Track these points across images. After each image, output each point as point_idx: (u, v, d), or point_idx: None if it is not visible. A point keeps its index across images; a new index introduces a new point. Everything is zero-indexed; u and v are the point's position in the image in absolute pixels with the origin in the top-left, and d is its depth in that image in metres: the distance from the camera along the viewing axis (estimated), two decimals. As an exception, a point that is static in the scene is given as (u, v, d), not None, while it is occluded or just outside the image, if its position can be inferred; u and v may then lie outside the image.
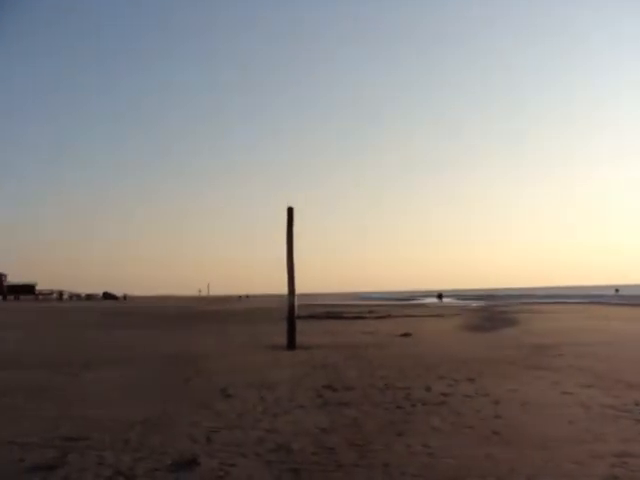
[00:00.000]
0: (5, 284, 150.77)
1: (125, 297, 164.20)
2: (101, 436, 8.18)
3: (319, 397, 11.03)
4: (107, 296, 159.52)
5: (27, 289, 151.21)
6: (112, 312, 62.55)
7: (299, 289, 21.99)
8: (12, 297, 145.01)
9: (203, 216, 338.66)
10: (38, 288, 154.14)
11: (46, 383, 13.05)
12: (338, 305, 77.96)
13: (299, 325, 21.84)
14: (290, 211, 21.81)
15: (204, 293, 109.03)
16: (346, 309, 60.20)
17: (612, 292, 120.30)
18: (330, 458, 7.05)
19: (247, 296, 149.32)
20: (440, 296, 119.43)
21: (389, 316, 44.40)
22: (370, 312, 51.22)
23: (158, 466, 6.78)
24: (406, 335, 25.54)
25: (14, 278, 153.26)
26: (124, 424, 8.90)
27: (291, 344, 20.86)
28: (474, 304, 79.42)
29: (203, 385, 12.59)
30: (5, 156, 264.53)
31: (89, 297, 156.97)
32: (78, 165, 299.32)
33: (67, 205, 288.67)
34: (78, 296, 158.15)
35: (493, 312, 50.76)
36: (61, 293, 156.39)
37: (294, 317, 21.54)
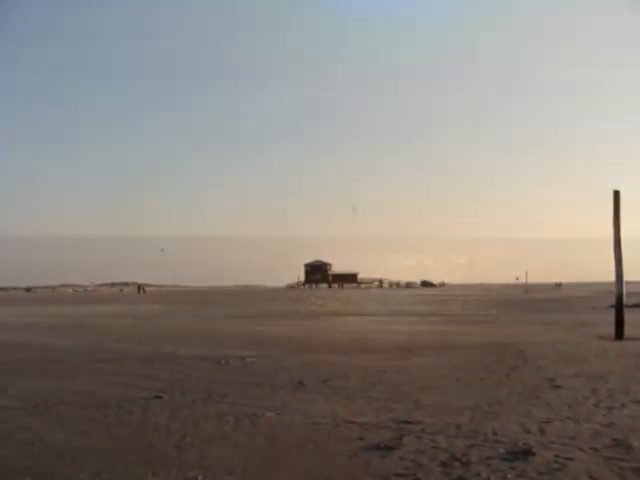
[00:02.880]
0: (330, 273, 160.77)
1: (443, 284, 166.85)
2: (433, 420, 8.38)
3: (656, 392, 10.34)
4: (425, 284, 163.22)
5: (350, 278, 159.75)
6: (430, 300, 63.88)
7: (625, 276, 20.80)
8: (336, 285, 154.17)
9: (522, 198, 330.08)
10: (360, 277, 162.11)
11: (377, 367, 13.67)
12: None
13: (626, 314, 20.61)
14: (617, 195, 20.67)
15: (522, 281, 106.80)
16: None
17: None
18: (678, 459, 6.56)
19: (560, 284, 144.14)
20: None
21: None
22: None
23: (492, 454, 6.78)
24: None
25: (338, 268, 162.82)
26: (454, 409, 9.05)
27: (619, 334, 19.79)
28: None
29: (529, 374, 12.39)
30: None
31: (408, 285, 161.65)
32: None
33: (383, 200, 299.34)
34: (397, 284, 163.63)
35: None
36: (381, 281, 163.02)
37: (622, 306, 20.41)
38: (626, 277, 20.75)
